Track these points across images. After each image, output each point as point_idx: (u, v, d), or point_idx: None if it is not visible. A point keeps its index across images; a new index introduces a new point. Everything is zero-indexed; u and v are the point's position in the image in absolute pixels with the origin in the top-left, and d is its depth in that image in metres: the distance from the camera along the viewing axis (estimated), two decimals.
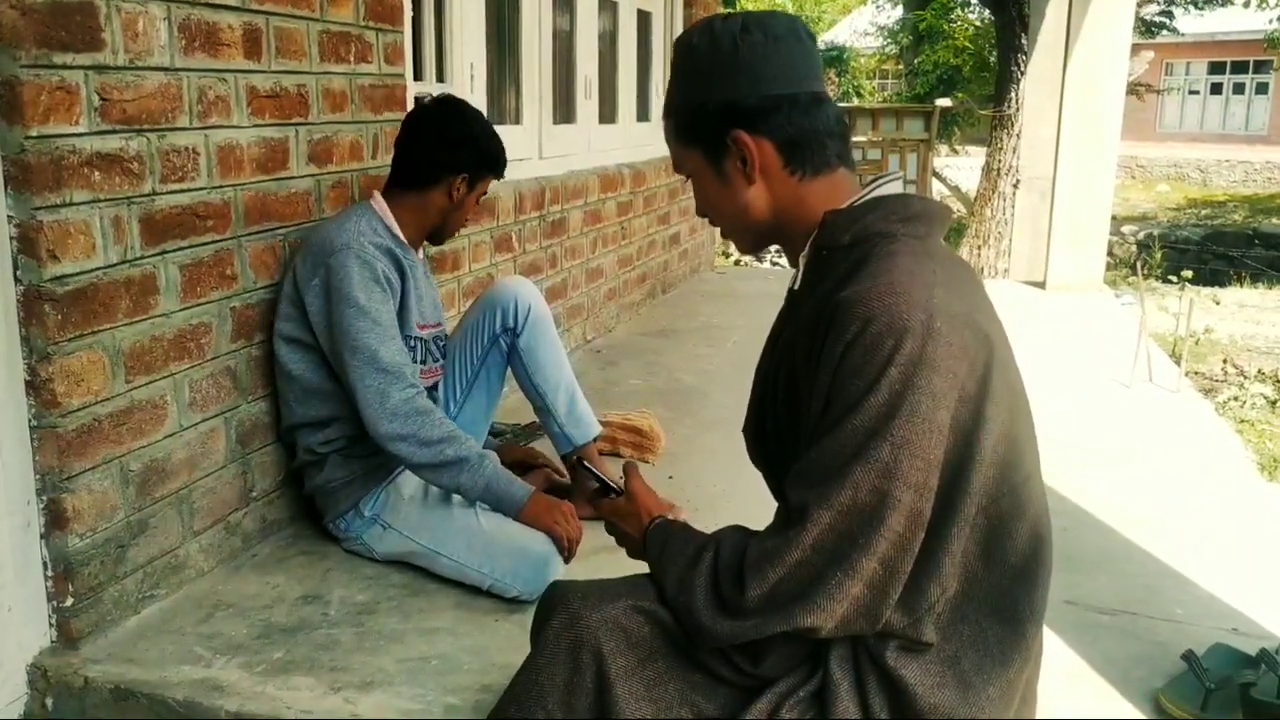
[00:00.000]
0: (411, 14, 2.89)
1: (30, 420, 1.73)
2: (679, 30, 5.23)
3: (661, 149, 5.01)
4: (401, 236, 2.21)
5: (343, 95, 2.43)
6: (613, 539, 1.42)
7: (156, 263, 1.91)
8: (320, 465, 2.19)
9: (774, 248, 1.33)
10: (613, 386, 3.61)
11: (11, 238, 1.66)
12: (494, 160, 2.24)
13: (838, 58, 22.65)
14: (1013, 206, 7.61)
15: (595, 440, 2.47)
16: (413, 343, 2.22)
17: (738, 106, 1.19)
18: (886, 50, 22.79)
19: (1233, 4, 15.92)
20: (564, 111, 4.12)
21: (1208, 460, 3.06)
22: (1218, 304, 7.89)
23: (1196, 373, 5.81)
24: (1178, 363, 4.24)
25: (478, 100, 3.30)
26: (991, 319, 1.16)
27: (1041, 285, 5.70)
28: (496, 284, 2.51)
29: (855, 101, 20.01)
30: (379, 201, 2.21)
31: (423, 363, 2.29)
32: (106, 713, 1.74)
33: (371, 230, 2.14)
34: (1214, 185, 20.75)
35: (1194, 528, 2.53)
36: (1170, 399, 3.67)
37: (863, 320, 1.07)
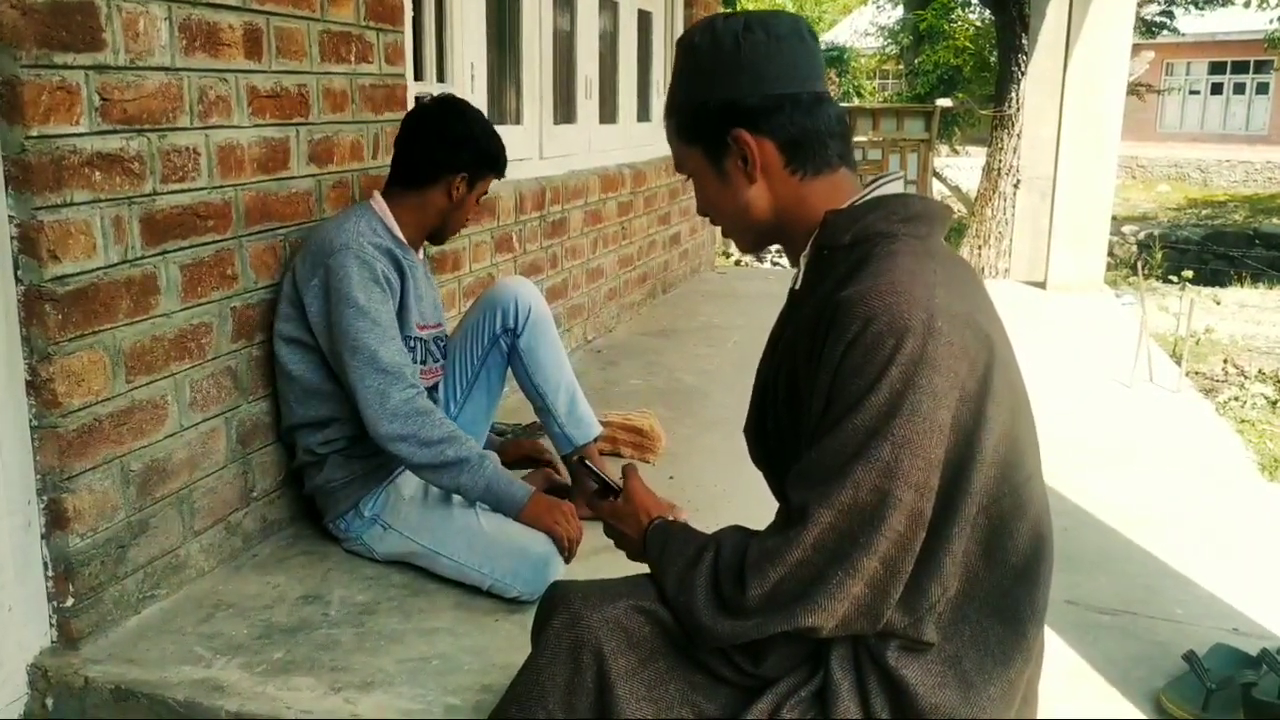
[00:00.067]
0: (412, 14, 2.89)
1: (31, 420, 1.73)
2: (679, 30, 5.23)
3: (662, 149, 5.02)
4: (401, 237, 2.21)
5: (343, 95, 2.43)
6: (612, 540, 1.42)
7: (157, 263, 1.91)
8: (320, 465, 2.19)
9: (774, 247, 1.33)
10: (613, 386, 3.61)
11: (12, 238, 1.66)
12: (494, 159, 2.24)
13: (838, 58, 22.65)
14: (1013, 206, 7.61)
15: (596, 440, 2.46)
16: (412, 343, 2.22)
17: (739, 105, 1.19)
18: (887, 50, 22.78)
19: (1233, 4, 15.91)
20: (564, 111, 4.12)
21: (1208, 460, 3.06)
22: (1218, 304, 7.89)
23: (1197, 373, 5.81)
24: (1178, 363, 4.24)
25: (478, 100, 3.30)
26: (992, 319, 1.16)
27: (1042, 285, 5.70)
28: (497, 284, 2.51)
29: (856, 101, 20.00)
30: (379, 202, 2.21)
31: (423, 363, 2.29)
32: (107, 713, 1.74)
33: (371, 230, 2.14)
34: (1214, 185, 20.74)
35: (1194, 528, 2.53)
36: (1171, 399, 3.67)
37: (864, 320, 1.07)
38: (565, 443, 2.43)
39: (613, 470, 1.58)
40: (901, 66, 22.39)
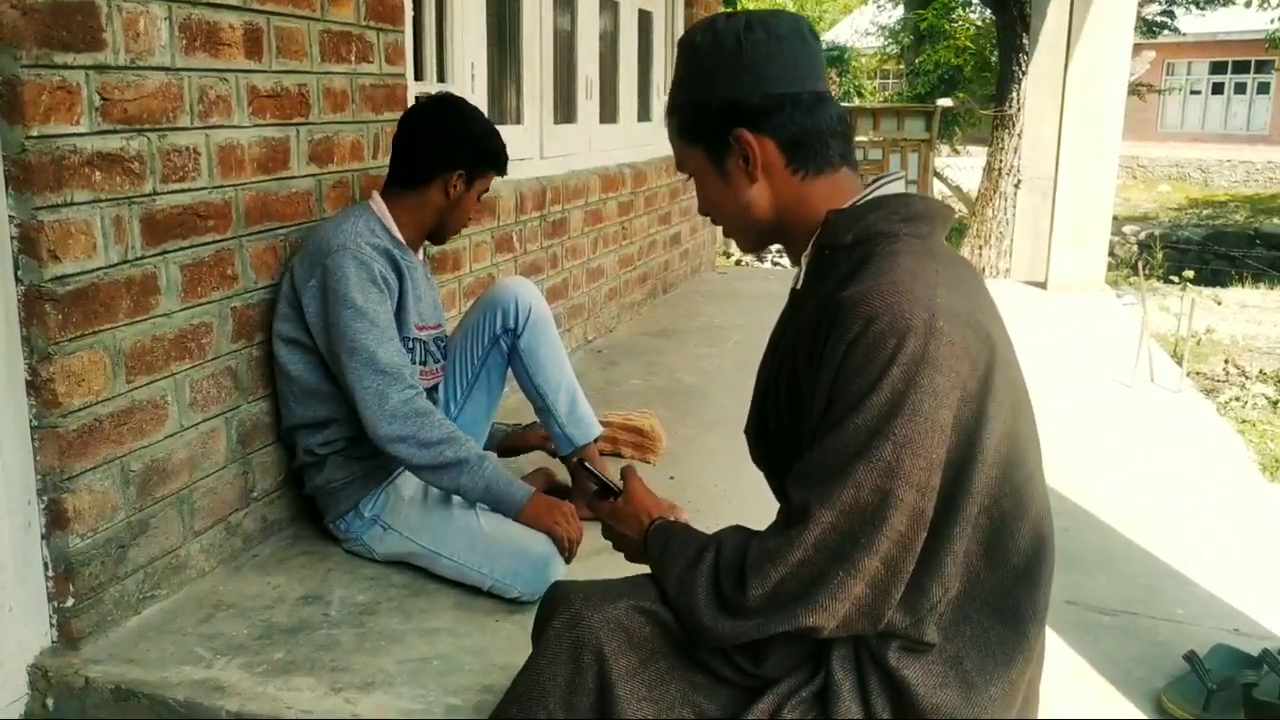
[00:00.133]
0: (412, 13, 2.89)
1: (31, 420, 1.73)
2: (680, 30, 5.23)
3: (662, 149, 5.01)
4: (400, 237, 2.21)
5: (344, 95, 2.43)
6: (611, 542, 1.42)
7: (157, 263, 1.91)
8: (320, 466, 2.19)
9: (775, 247, 1.33)
10: (613, 386, 3.61)
11: (12, 238, 1.66)
12: (492, 156, 2.23)
13: (839, 57, 22.63)
14: (1014, 206, 7.61)
15: (596, 441, 2.46)
16: (411, 344, 2.22)
17: (740, 105, 1.19)
18: (887, 50, 22.78)
19: (1234, 4, 15.90)
20: (565, 111, 4.12)
21: (1209, 460, 3.06)
22: (1219, 304, 7.89)
23: (1198, 373, 5.81)
24: (1179, 363, 4.24)
25: (478, 100, 3.30)
26: (994, 318, 1.16)
27: (1043, 285, 5.70)
28: (497, 284, 2.51)
29: (856, 101, 19.99)
30: (377, 202, 2.21)
31: (423, 364, 2.29)
32: (107, 713, 1.74)
33: (369, 231, 2.14)
34: (1215, 185, 20.74)
35: (1195, 528, 2.52)
36: (1172, 399, 3.67)
37: (865, 319, 1.07)
38: (566, 443, 2.43)
39: (612, 471, 1.58)
40: (902, 66, 22.38)
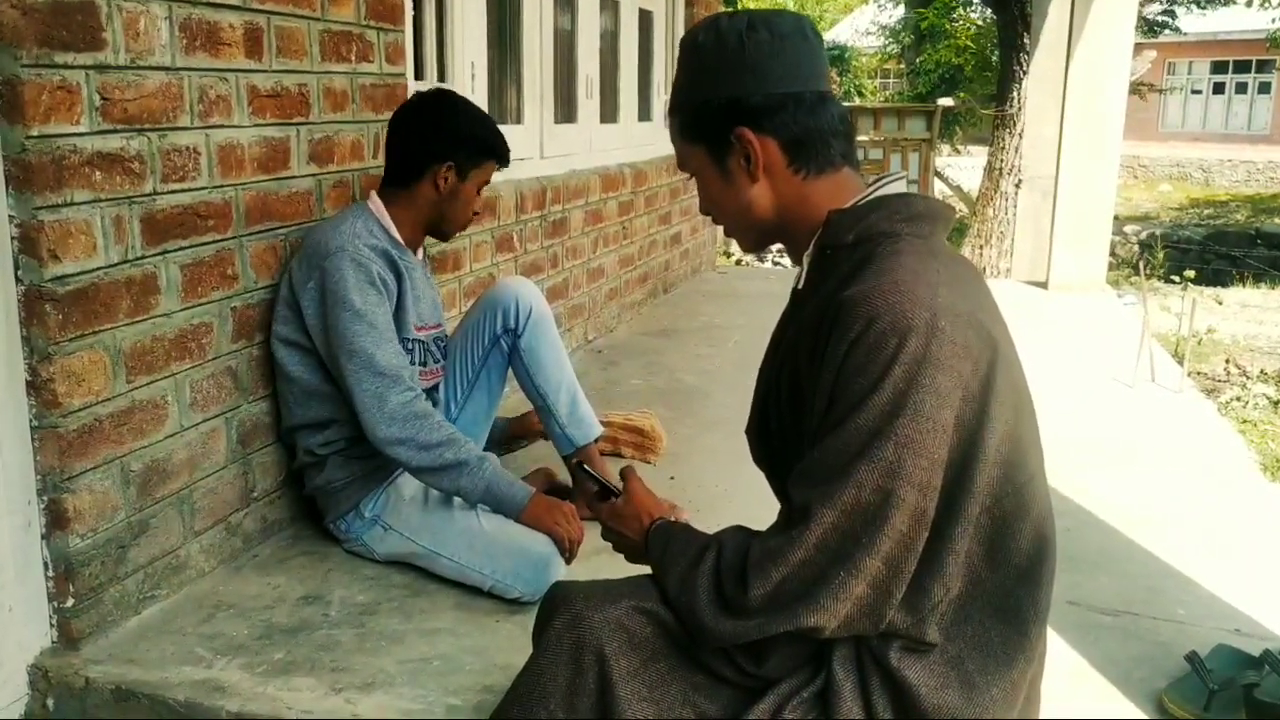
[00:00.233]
0: (412, 13, 2.88)
1: (31, 420, 1.72)
2: (680, 29, 5.23)
3: (663, 148, 5.02)
4: (398, 237, 2.20)
5: (344, 95, 2.42)
6: (610, 543, 1.41)
7: (157, 262, 1.91)
8: (320, 466, 2.18)
9: (776, 247, 1.32)
10: (614, 386, 3.60)
11: (13, 237, 1.66)
12: (483, 145, 2.19)
13: (839, 57, 22.63)
14: (1015, 206, 7.61)
15: (597, 440, 2.46)
16: (410, 345, 2.21)
17: (742, 104, 1.19)
18: (888, 49, 22.77)
19: (1235, 3, 15.89)
20: (565, 111, 4.11)
21: (1210, 460, 3.06)
22: (1220, 304, 7.89)
23: (1199, 373, 5.81)
24: (1180, 363, 4.24)
25: (479, 100, 3.29)
26: (995, 318, 1.16)
27: (1044, 285, 5.70)
28: (497, 284, 2.51)
29: (857, 101, 19.99)
30: (375, 202, 2.21)
31: (423, 364, 2.28)
32: (107, 713, 1.74)
33: (367, 232, 2.13)
34: (1216, 185, 20.73)
35: (1196, 528, 2.52)
36: (1173, 399, 3.67)
37: (866, 319, 1.06)
38: (566, 443, 2.43)
39: (612, 472, 1.58)
40: (903, 66, 22.37)
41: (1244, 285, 10.83)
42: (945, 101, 15.58)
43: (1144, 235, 14.45)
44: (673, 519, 1.32)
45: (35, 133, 1.63)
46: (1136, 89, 11.27)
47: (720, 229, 1.35)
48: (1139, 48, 11.68)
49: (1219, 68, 23.19)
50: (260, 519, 2.27)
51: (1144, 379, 3.82)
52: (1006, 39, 9.69)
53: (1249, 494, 2.82)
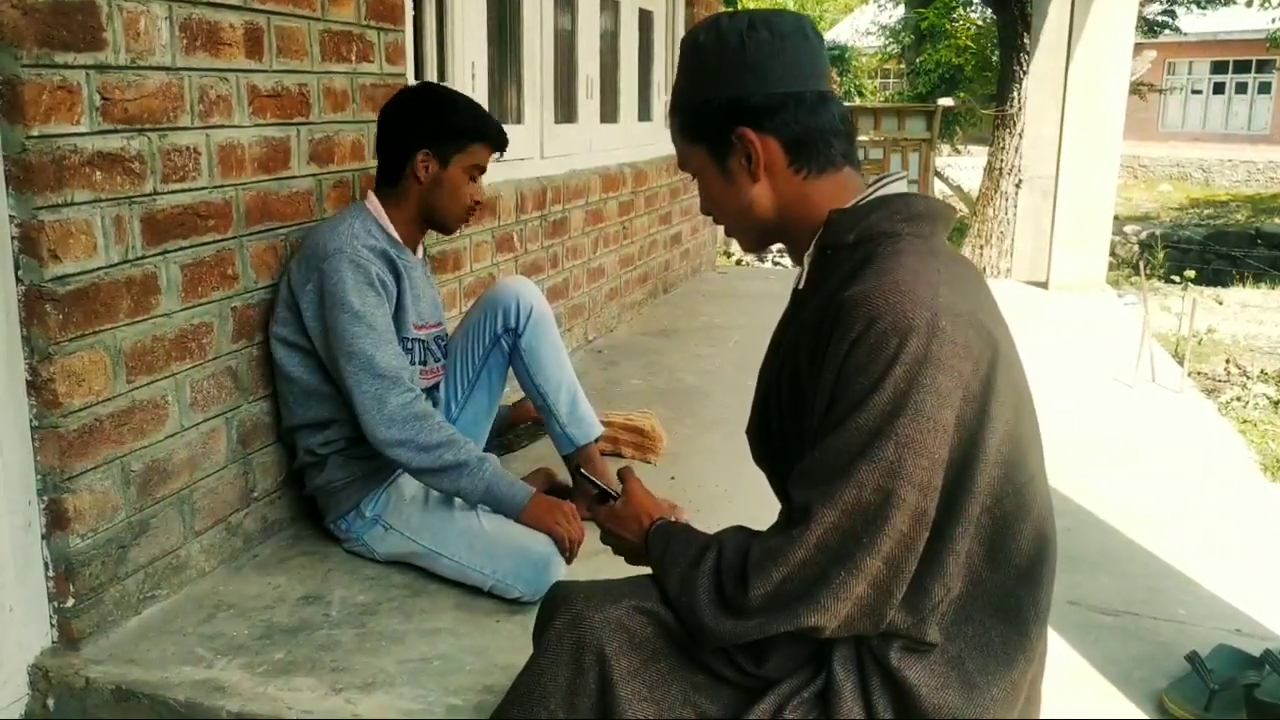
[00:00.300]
0: (413, 13, 2.88)
1: (31, 420, 1.72)
2: (681, 29, 5.23)
3: (663, 148, 5.02)
4: (396, 236, 2.20)
5: (344, 95, 2.42)
6: (609, 546, 1.41)
7: (158, 262, 1.91)
8: (321, 466, 2.18)
9: (776, 247, 1.32)
10: (614, 386, 3.60)
11: (13, 237, 1.66)
12: (461, 129, 2.16)
13: (839, 57, 22.62)
14: (1015, 206, 7.61)
15: (597, 440, 2.46)
16: (409, 344, 2.21)
17: (743, 104, 1.19)
18: (888, 49, 22.78)
19: (1235, 3, 15.89)
20: (565, 111, 4.11)
21: (1210, 460, 3.05)
22: (1220, 304, 7.89)
23: (1199, 373, 5.81)
24: (1180, 363, 4.24)
25: (479, 99, 3.29)
26: (996, 318, 1.16)
27: (1044, 285, 5.70)
28: (498, 284, 2.51)
29: (857, 101, 19.98)
30: (373, 202, 2.21)
31: (423, 363, 2.28)
32: (108, 713, 1.74)
33: (365, 232, 2.13)
34: (1216, 185, 20.73)
35: (1197, 528, 2.52)
36: (1173, 399, 3.67)
37: (867, 319, 1.06)
38: (567, 443, 2.42)
39: (611, 473, 1.58)
40: (903, 65, 22.38)
41: (1244, 285, 10.83)
42: (945, 101, 15.59)
43: (1144, 235, 14.45)
44: (672, 519, 1.31)
45: (35, 133, 1.63)
46: (1136, 89, 11.27)
47: (721, 229, 1.35)
48: (1139, 48, 11.68)
49: (1219, 68, 23.19)
50: (260, 519, 2.27)
51: (1144, 379, 3.82)
52: (1006, 39, 9.68)
53: (1249, 494, 2.82)
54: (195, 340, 2.02)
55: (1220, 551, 2.39)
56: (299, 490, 2.32)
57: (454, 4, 3.17)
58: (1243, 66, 22.78)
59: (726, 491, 2.59)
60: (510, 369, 2.47)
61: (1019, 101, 8.94)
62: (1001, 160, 9.41)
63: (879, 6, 21.76)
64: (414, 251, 2.28)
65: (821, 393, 1.11)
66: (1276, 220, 16.42)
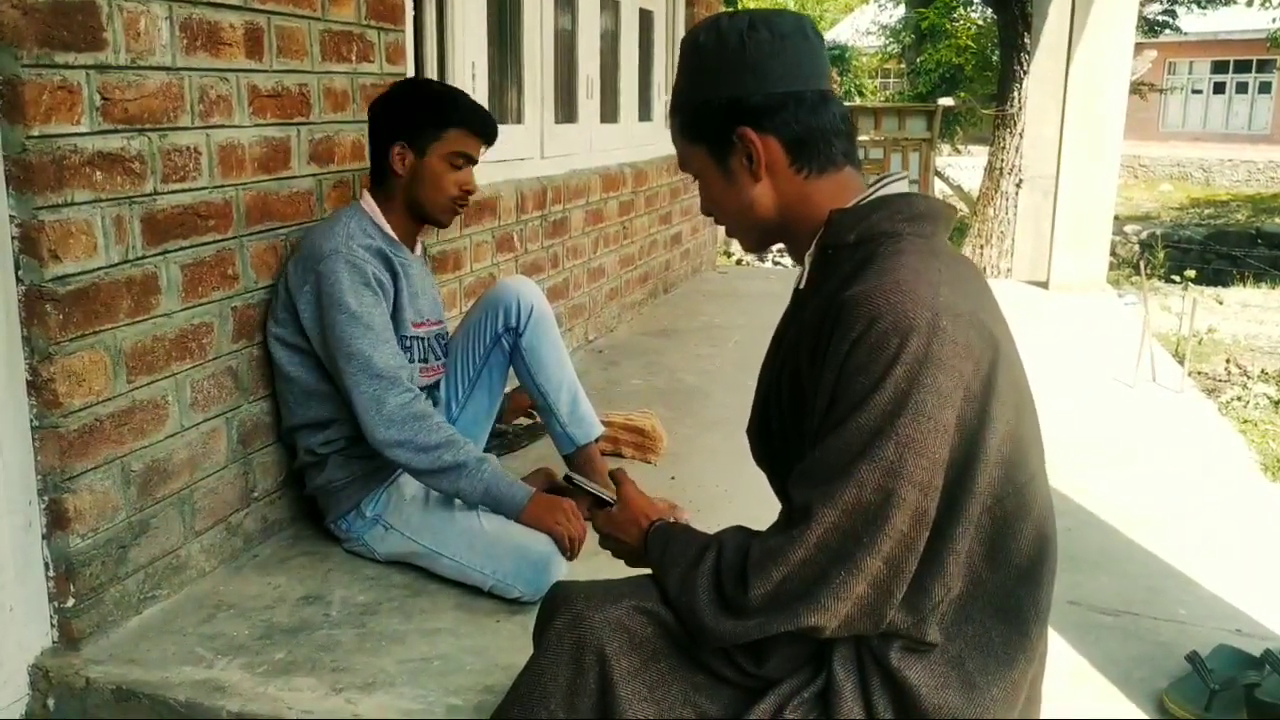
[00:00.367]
0: (413, 13, 2.88)
1: (32, 420, 1.72)
2: (681, 29, 5.23)
3: (663, 148, 5.02)
4: (392, 234, 2.20)
5: (344, 95, 2.42)
6: (608, 550, 1.41)
7: (158, 262, 1.91)
8: (321, 466, 2.18)
9: (776, 247, 1.32)
10: (614, 386, 3.60)
11: (13, 237, 1.66)
12: (433, 116, 2.13)
13: (840, 56, 22.62)
14: (1015, 206, 7.61)
15: (597, 440, 2.46)
16: (408, 342, 2.21)
17: (744, 103, 1.19)
18: (889, 49, 22.77)
19: (1235, 3, 15.89)
20: (566, 111, 4.11)
21: (1211, 460, 3.05)
22: (1221, 304, 7.88)
23: (1200, 373, 5.81)
24: (1181, 363, 4.24)
25: (479, 99, 3.29)
26: (997, 318, 1.16)
27: (1044, 285, 5.70)
28: (498, 284, 2.51)
29: (857, 100, 19.97)
30: (367, 201, 2.21)
31: (424, 361, 2.28)
32: (108, 713, 1.74)
33: (362, 232, 2.13)
34: (1217, 185, 20.73)
35: (1197, 528, 2.52)
36: (1173, 399, 3.66)
37: (868, 319, 1.06)
38: (567, 442, 2.43)
39: (607, 476, 1.56)
40: (903, 65, 22.38)
41: (1244, 285, 10.82)
42: (946, 101, 15.59)
43: (1144, 235, 14.44)
44: (672, 519, 1.31)
45: (36, 133, 1.63)
46: (1137, 89, 11.27)
47: (721, 229, 1.34)
48: (1139, 47, 11.68)
49: (1219, 67, 23.18)
50: (261, 519, 2.27)
51: (1144, 379, 3.82)
52: (1007, 39, 9.68)
53: (1250, 494, 2.81)
54: (195, 340, 2.02)
55: (1221, 551, 2.39)
56: (299, 490, 2.32)
57: (454, 4, 3.17)
58: (1243, 66, 22.78)
59: (727, 491, 2.59)
60: (511, 368, 2.47)
61: (1019, 101, 8.94)
62: (1002, 160, 9.41)
63: (879, 6, 21.76)
64: (412, 249, 2.28)
65: (822, 392, 1.11)
66: (1277, 220, 16.42)
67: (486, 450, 2.55)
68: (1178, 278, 7.87)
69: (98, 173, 1.75)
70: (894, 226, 1.16)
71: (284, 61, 2.20)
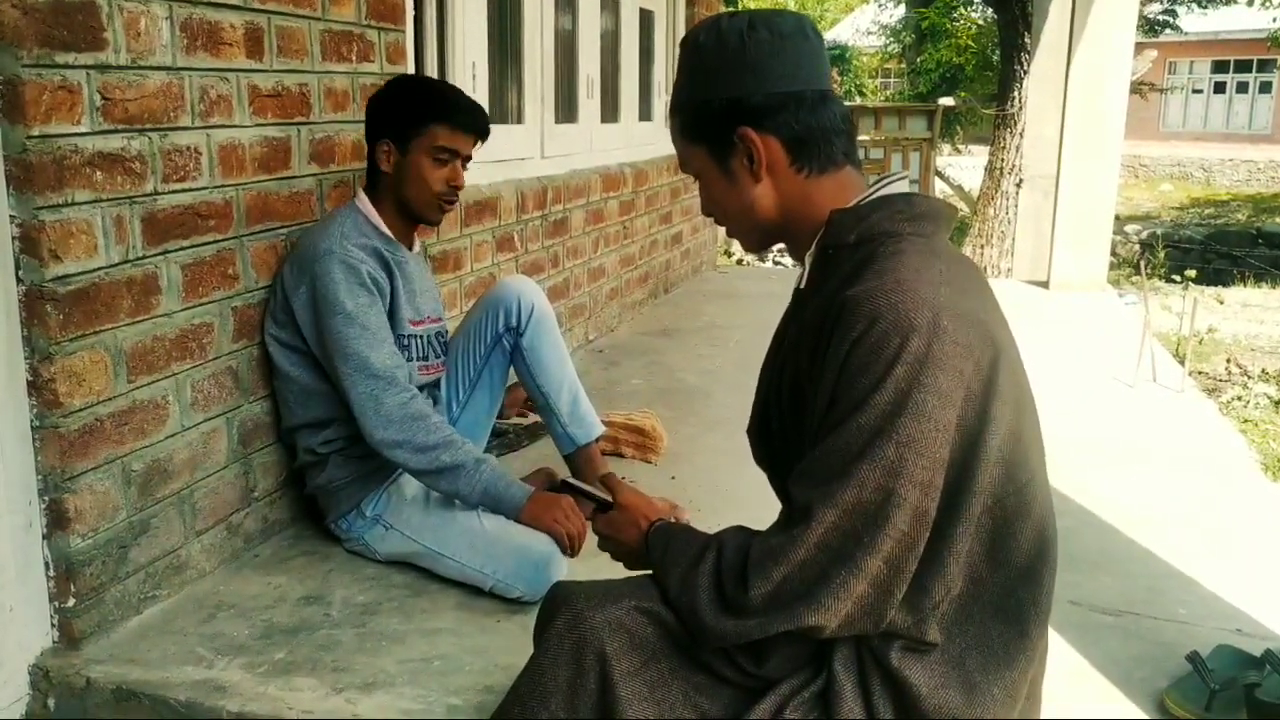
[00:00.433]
0: (413, 13, 2.88)
1: (32, 420, 1.72)
2: (681, 29, 5.23)
3: (663, 148, 5.02)
4: (388, 232, 2.20)
5: (345, 95, 2.42)
6: (608, 553, 1.41)
7: (158, 262, 1.91)
8: (321, 466, 2.18)
9: (777, 247, 1.32)
10: (615, 386, 3.60)
11: (14, 237, 1.66)
12: (413, 113, 2.12)
13: (840, 56, 22.61)
14: (1016, 206, 7.60)
15: (598, 440, 2.46)
16: (406, 341, 2.21)
17: (744, 104, 1.19)
18: (889, 49, 22.76)
19: (1236, 3, 15.89)
20: (566, 111, 4.11)
21: (1211, 460, 3.05)
22: (1221, 303, 7.88)
23: (1200, 372, 5.80)
24: (1181, 362, 4.23)
25: (480, 99, 3.29)
26: (998, 318, 1.16)
27: (1045, 284, 5.70)
28: (499, 283, 2.50)
29: (858, 100, 19.96)
30: (363, 200, 2.21)
31: (423, 359, 2.28)
32: (108, 713, 1.74)
33: (357, 231, 2.13)
34: (1217, 184, 20.72)
35: (1197, 528, 2.52)
36: (1174, 399, 3.66)
37: (869, 318, 1.06)
38: (568, 442, 2.43)
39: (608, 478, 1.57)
40: (904, 65, 22.36)
41: (1245, 285, 10.82)
42: (946, 101, 15.59)
43: (1145, 235, 14.44)
44: (672, 519, 1.31)
45: (36, 133, 1.63)
46: (1137, 88, 11.27)
47: (721, 229, 1.34)
48: (1140, 47, 11.68)
49: (1220, 67, 23.18)
50: (261, 519, 2.27)
51: (1145, 379, 3.82)
52: (1007, 39, 9.68)
53: (1250, 494, 2.81)
54: (196, 340, 2.02)
55: (1221, 551, 2.39)
56: (299, 490, 2.32)
57: (454, 4, 3.17)
58: (1243, 66, 22.78)
59: (727, 491, 2.59)
60: (511, 368, 2.46)
61: (1020, 101, 8.93)
62: (1002, 160, 9.41)
63: (879, 6, 21.75)
64: (409, 247, 2.27)
65: (822, 392, 1.11)
66: (1277, 220, 16.41)
67: (487, 450, 2.56)
68: (1178, 277, 7.87)
69: (98, 173, 1.75)
70: (894, 226, 1.16)
71: (284, 61, 2.20)
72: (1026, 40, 8.35)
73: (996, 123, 9.73)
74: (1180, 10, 16.64)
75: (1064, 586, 1.39)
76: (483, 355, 2.44)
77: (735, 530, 1.20)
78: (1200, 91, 23.74)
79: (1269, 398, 5.43)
